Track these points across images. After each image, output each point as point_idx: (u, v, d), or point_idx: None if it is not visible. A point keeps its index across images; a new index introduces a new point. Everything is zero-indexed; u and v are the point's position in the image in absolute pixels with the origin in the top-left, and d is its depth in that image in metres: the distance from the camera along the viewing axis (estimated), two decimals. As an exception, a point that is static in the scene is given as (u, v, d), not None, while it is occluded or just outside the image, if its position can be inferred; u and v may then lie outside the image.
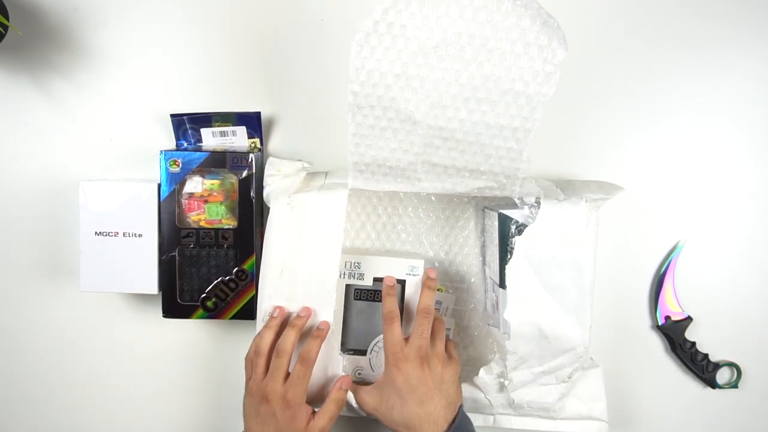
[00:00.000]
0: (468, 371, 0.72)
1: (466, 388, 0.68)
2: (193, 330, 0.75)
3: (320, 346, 0.62)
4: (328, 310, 0.64)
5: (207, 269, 0.68)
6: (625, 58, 0.71)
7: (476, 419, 0.70)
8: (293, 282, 0.64)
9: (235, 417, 0.76)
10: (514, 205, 0.65)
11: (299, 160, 0.66)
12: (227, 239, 0.68)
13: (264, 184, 0.66)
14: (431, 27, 0.53)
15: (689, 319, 0.73)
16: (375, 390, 0.64)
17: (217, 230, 0.67)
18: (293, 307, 0.64)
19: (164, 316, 0.68)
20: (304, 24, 0.70)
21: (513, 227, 0.64)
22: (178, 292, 0.68)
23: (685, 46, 0.71)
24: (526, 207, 0.65)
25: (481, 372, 0.67)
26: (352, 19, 0.70)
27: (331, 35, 0.70)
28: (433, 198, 0.70)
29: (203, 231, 0.67)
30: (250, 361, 0.63)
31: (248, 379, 0.63)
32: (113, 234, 0.67)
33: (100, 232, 0.67)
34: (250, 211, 0.68)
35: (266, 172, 0.66)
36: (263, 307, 0.65)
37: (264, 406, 0.60)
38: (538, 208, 0.63)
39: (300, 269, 0.64)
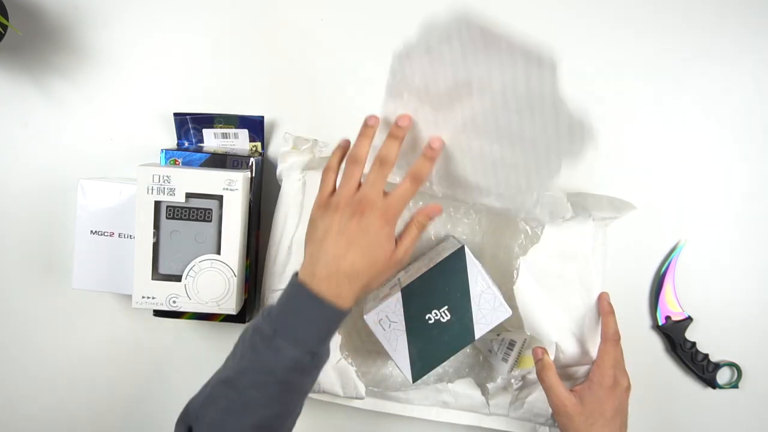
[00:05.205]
0: (466, 372, 0.69)
1: (462, 385, 0.65)
2: (184, 330, 0.71)
3: (431, 168, 0.52)
4: None
5: (202, 270, 0.65)
6: (624, 58, 0.68)
7: (468, 418, 0.68)
8: (300, 260, 0.60)
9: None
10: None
11: (315, 139, 0.62)
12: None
13: (278, 161, 0.63)
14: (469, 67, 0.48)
15: (689, 319, 0.69)
16: (578, 397, 0.58)
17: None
18: None
19: (155, 315, 0.65)
20: (304, 23, 0.67)
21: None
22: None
23: (685, 45, 0.68)
24: (528, 228, 0.63)
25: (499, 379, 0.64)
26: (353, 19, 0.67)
27: (332, 35, 0.67)
28: (440, 194, 0.66)
29: (201, 232, 0.64)
30: (333, 171, 0.53)
31: (328, 193, 0.52)
32: (108, 234, 0.64)
33: (95, 231, 0.64)
34: (248, 214, 0.64)
35: (281, 148, 0.62)
36: (268, 284, 0.62)
37: (355, 221, 0.49)
38: (543, 228, 0.60)
39: None
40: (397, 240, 0.52)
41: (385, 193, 0.51)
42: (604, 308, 0.62)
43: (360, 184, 0.51)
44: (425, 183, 0.53)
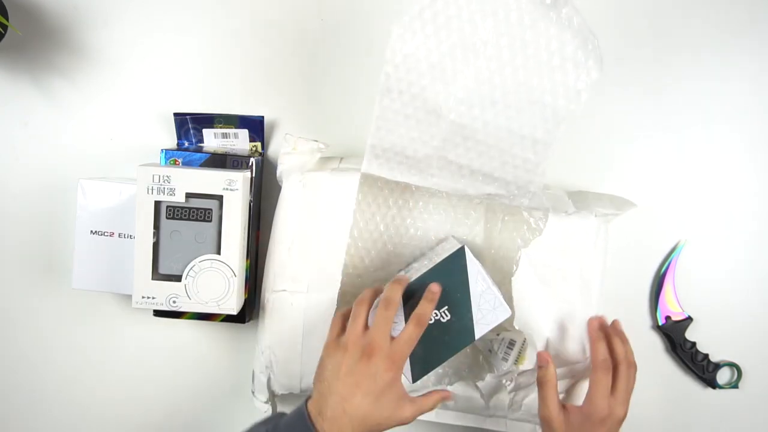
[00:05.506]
0: (466, 373, 0.69)
1: (459, 386, 0.65)
2: (184, 330, 0.71)
3: (432, 309, 0.54)
4: (332, 291, 0.60)
5: (202, 270, 0.64)
6: (624, 60, 0.68)
7: (467, 419, 0.67)
8: (300, 261, 0.61)
9: (224, 417, 0.72)
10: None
11: (315, 140, 0.62)
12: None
13: (279, 162, 0.62)
14: (476, 23, 0.49)
15: (689, 319, 0.69)
16: (567, 417, 0.57)
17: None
18: (297, 287, 0.61)
19: (155, 315, 0.65)
20: (304, 23, 0.67)
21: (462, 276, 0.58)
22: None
23: (685, 47, 0.68)
24: (532, 219, 0.62)
25: (488, 377, 0.64)
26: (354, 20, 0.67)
27: (332, 35, 0.67)
28: (445, 194, 0.66)
29: (201, 233, 0.64)
30: (342, 316, 0.56)
31: (337, 333, 0.55)
32: (108, 234, 0.63)
33: (95, 231, 0.63)
34: (248, 214, 0.63)
35: (282, 149, 0.62)
36: (268, 285, 0.62)
37: (363, 363, 0.50)
38: (546, 219, 0.60)
39: (308, 248, 0.61)
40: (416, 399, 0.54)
41: (392, 337, 0.53)
42: (592, 335, 0.60)
43: (366, 325, 0.53)
44: (426, 324, 0.54)
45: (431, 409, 0.55)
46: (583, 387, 0.65)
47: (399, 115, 0.54)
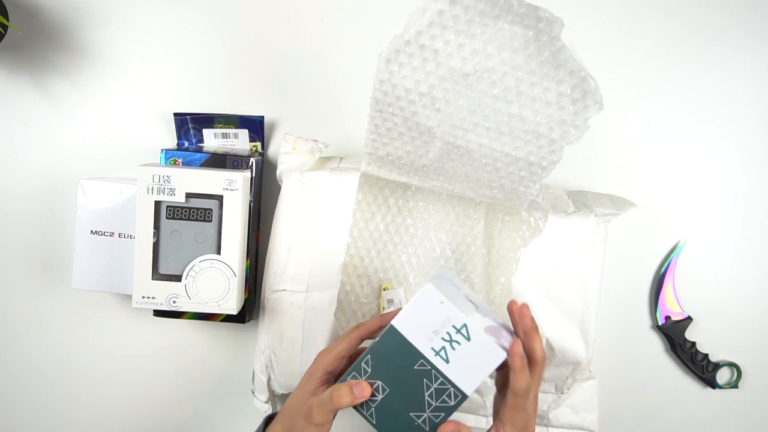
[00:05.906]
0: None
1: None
2: (184, 330, 0.70)
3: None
4: (332, 291, 0.61)
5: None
6: (624, 60, 0.68)
7: (468, 419, 0.67)
8: (300, 261, 0.61)
9: (224, 417, 0.72)
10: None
11: (315, 140, 0.62)
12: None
13: (278, 161, 0.62)
14: (464, 57, 0.48)
15: (689, 319, 0.69)
16: None
17: (216, 231, 0.64)
18: (297, 287, 0.61)
19: (155, 315, 0.65)
20: (304, 24, 0.67)
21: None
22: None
23: (685, 47, 0.68)
24: (532, 219, 0.62)
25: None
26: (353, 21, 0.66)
27: (332, 35, 0.67)
28: (444, 194, 0.66)
29: (202, 232, 0.64)
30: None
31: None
32: (108, 234, 0.63)
33: (95, 231, 0.63)
34: (248, 214, 0.63)
35: (282, 149, 0.62)
36: (268, 285, 0.62)
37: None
38: (546, 219, 0.60)
39: (307, 248, 0.61)
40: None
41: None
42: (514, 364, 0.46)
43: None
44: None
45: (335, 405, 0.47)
46: (581, 386, 0.66)
47: (393, 132, 0.54)
